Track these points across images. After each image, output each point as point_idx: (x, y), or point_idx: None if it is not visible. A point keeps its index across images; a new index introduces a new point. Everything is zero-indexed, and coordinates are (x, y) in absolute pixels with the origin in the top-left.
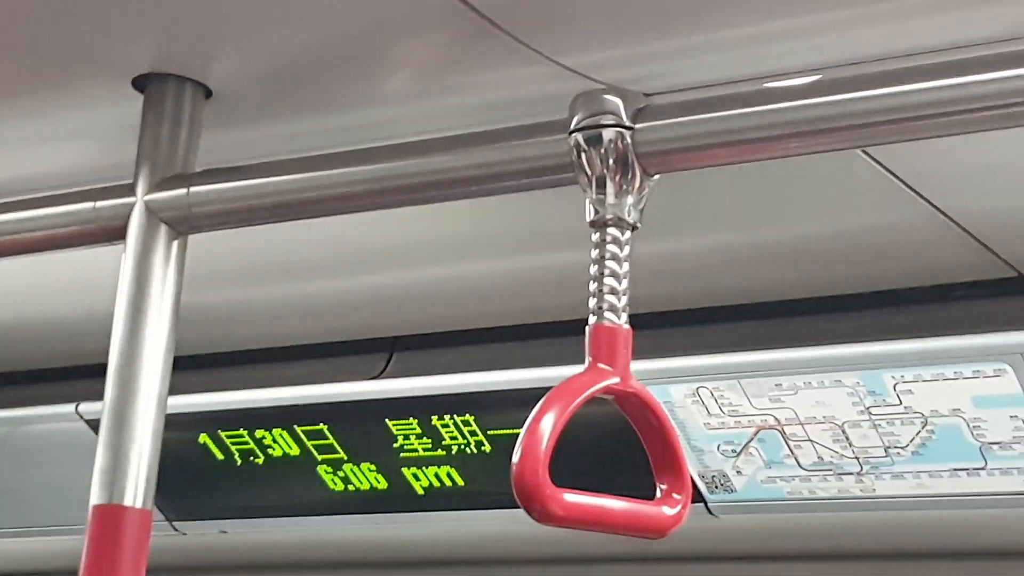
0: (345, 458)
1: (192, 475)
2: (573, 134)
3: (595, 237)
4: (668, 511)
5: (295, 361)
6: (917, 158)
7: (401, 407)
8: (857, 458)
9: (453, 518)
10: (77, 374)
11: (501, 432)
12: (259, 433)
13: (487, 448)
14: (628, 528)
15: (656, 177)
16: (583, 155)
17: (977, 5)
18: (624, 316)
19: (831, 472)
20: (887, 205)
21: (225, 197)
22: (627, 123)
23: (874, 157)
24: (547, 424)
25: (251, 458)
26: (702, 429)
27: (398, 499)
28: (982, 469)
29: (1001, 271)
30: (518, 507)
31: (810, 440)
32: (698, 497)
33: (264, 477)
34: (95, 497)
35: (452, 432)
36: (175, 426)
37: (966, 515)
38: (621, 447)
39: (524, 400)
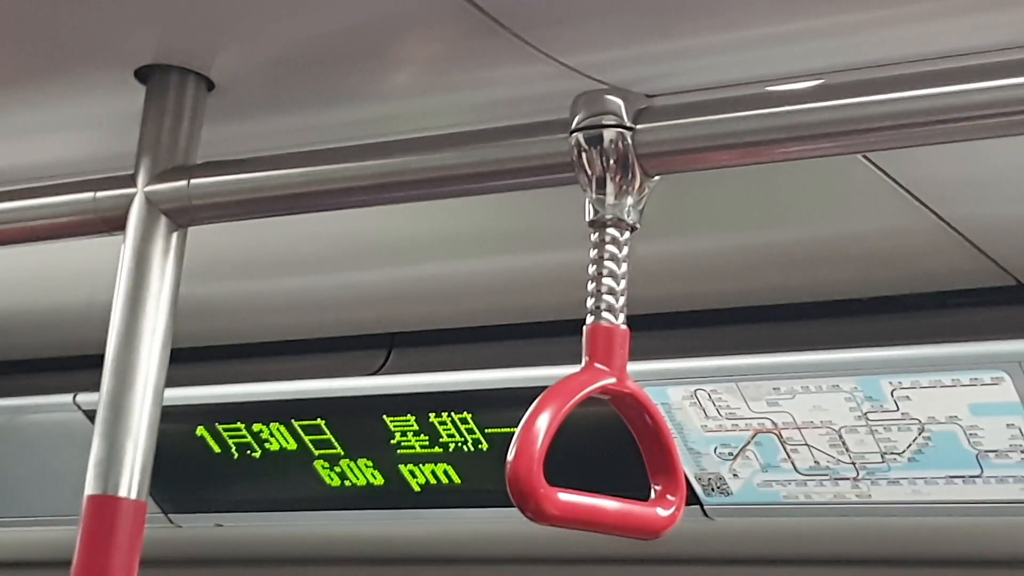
0: (342, 453)
1: (188, 468)
2: (574, 133)
3: (594, 237)
4: (662, 512)
5: (294, 355)
6: (918, 164)
7: (399, 404)
8: (854, 463)
9: (449, 516)
10: (75, 364)
11: (498, 430)
12: (256, 427)
13: (484, 446)
14: (622, 529)
15: (656, 178)
16: (583, 155)
17: (980, 12)
18: (622, 316)
19: (827, 477)
20: (887, 211)
21: (225, 190)
22: (628, 124)
23: (874, 162)
24: (542, 423)
25: (248, 452)
26: (699, 431)
27: (394, 495)
28: (978, 477)
29: (1000, 279)
30: (514, 506)
31: (807, 444)
32: (694, 500)
33: (261, 471)
34: (90, 487)
35: (449, 429)
36: (172, 418)
37: (961, 522)
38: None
39: (522, 399)
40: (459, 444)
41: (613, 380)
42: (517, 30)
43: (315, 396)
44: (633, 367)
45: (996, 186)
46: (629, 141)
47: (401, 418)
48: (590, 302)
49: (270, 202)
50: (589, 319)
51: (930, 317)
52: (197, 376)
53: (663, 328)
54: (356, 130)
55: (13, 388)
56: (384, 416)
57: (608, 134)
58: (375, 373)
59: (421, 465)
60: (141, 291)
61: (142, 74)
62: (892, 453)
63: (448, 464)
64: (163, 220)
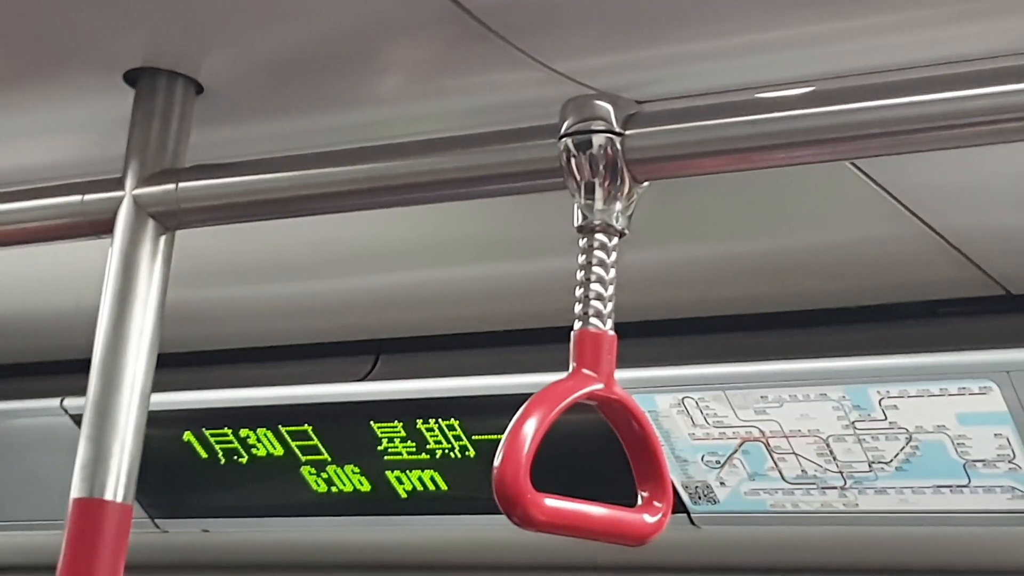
0: (329, 459)
1: (175, 473)
2: (563, 139)
3: (582, 243)
4: (649, 519)
5: (281, 361)
6: (907, 173)
7: (386, 410)
8: (841, 472)
9: (435, 522)
10: (63, 369)
11: (485, 437)
12: (243, 432)
13: (471, 453)
14: (608, 535)
15: (645, 184)
16: (572, 160)
17: (969, 21)
18: (609, 322)
19: (815, 486)
20: (876, 220)
21: (213, 194)
22: (617, 129)
23: (863, 171)
24: (529, 429)
25: (235, 457)
26: (687, 439)
27: (381, 502)
28: (965, 486)
29: (989, 289)
30: (500, 513)
31: (794, 453)
32: (681, 508)
33: (247, 477)
34: (76, 490)
35: (436, 436)
36: (160, 424)
37: (948, 532)
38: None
39: (509, 405)
40: (446, 451)
41: (601, 386)
42: (507, 36)
43: (302, 402)
44: (621, 375)
45: (985, 195)
46: (618, 147)
47: (388, 424)
48: (578, 308)
49: (258, 206)
50: (577, 325)
51: (918, 326)
52: (184, 381)
53: (651, 336)
54: (345, 135)
55: (0, 392)
56: (371, 422)
57: (597, 139)
58: (362, 379)
59: (408, 472)
60: (128, 293)
61: (131, 77)
62: (879, 462)
63: (435, 471)
64: (151, 223)
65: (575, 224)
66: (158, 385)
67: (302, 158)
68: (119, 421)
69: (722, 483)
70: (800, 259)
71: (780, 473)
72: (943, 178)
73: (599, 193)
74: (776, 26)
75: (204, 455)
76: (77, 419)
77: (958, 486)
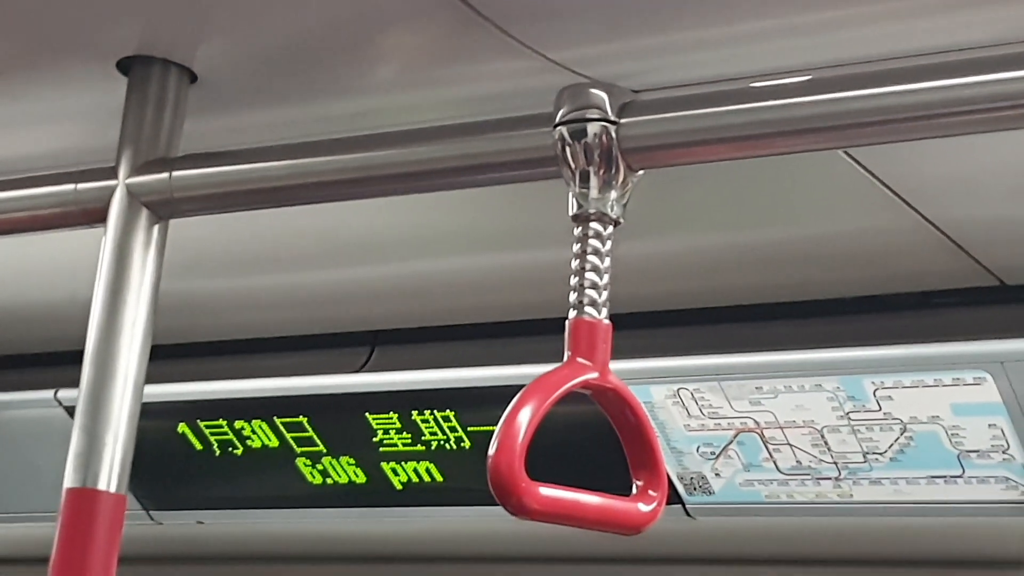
0: (324, 451)
1: (170, 465)
2: (557, 127)
3: (577, 231)
4: (643, 507)
5: (276, 352)
6: (901, 163)
7: (382, 401)
8: (836, 463)
9: (431, 514)
10: (56, 360)
11: (481, 428)
12: (238, 424)
13: (467, 444)
14: (603, 523)
15: (640, 173)
16: (567, 149)
17: (964, 9)
18: (604, 311)
19: (809, 476)
20: (871, 210)
21: (207, 182)
22: (612, 118)
23: (858, 161)
24: (524, 418)
25: (230, 449)
26: (682, 430)
27: (376, 494)
28: (959, 477)
29: (983, 279)
30: (496, 504)
31: (789, 444)
32: (676, 499)
33: (242, 468)
34: (69, 480)
35: (432, 428)
36: (154, 415)
37: (942, 522)
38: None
39: (505, 397)
40: (442, 442)
41: (595, 375)
42: (502, 25)
43: (297, 393)
44: (616, 366)
45: (980, 186)
46: (613, 135)
47: (384, 416)
48: (573, 296)
49: (252, 195)
50: (572, 313)
51: (913, 317)
52: (179, 373)
53: (646, 327)
54: (339, 124)
55: None
56: (367, 414)
57: (592, 128)
58: (358, 371)
59: (403, 463)
60: (122, 282)
61: (124, 65)
62: (874, 453)
63: (431, 462)
64: (144, 212)
65: (570, 213)
66: (153, 377)
67: (296, 147)
68: (112, 411)
69: (717, 474)
70: (795, 250)
71: (775, 464)
72: (938, 168)
73: (594, 182)
74: (771, 15)
75: (199, 447)
76: (71, 410)
77: (952, 477)
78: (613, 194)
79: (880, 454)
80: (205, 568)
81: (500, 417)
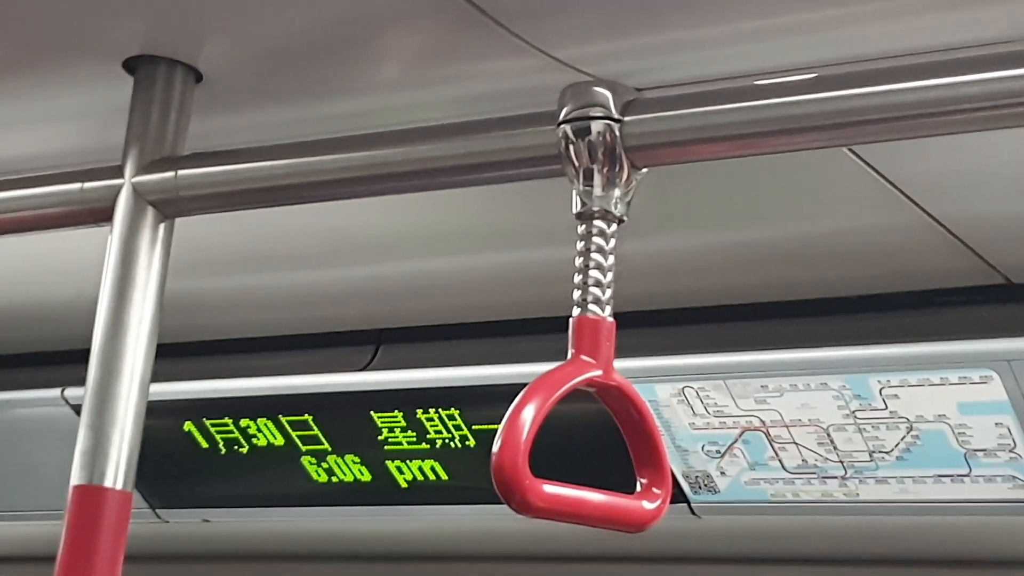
0: (329, 449)
1: (176, 463)
2: (561, 125)
3: (581, 229)
4: (648, 505)
5: (281, 351)
6: (906, 161)
7: (386, 400)
8: (841, 462)
9: (436, 512)
10: (63, 359)
11: (486, 427)
12: (244, 422)
13: (471, 443)
14: (607, 521)
15: (644, 171)
16: (571, 147)
17: (969, 8)
18: (608, 309)
19: (815, 475)
20: (876, 208)
21: (213, 181)
22: (616, 116)
23: (863, 158)
24: (528, 415)
25: (235, 447)
26: (687, 429)
27: (381, 492)
28: (966, 476)
29: (989, 277)
30: (501, 503)
31: (795, 443)
32: (681, 497)
33: (248, 467)
34: (75, 477)
35: (437, 426)
36: (160, 413)
37: (949, 522)
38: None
39: (509, 395)
40: (446, 440)
41: (599, 372)
42: (506, 23)
43: (302, 392)
44: (620, 364)
45: (986, 183)
46: (617, 133)
47: (388, 414)
48: (576, 294)
49: (258, 193)
50: (575, 311)
51: (919, 315)
52: (184, 371)
53: (651, 325)
54: (344, 123)
55: (0, 382)
56: (371, 412)
57: (596, 126)
58: (363, 369)
59: (408, 461)
60: (128, 281)
61: (130, 65)
62: (880, 452)
63: (435, 460)
64: (150, 211)
65: (574, 211)
66: (159, 375)
67: (301, 145)
68: (119, 408)
69: (722, 473)
70: (800, 248)
71: (781, 463)
72: (943, 166)
73: (598, 179)
74: (776, 13)
75: (204, 445)
76: (78, 409)
77: (959, 475)
78: (617, 192)
79: (886, 453)
80: (211, 566)
81: (504, 415)
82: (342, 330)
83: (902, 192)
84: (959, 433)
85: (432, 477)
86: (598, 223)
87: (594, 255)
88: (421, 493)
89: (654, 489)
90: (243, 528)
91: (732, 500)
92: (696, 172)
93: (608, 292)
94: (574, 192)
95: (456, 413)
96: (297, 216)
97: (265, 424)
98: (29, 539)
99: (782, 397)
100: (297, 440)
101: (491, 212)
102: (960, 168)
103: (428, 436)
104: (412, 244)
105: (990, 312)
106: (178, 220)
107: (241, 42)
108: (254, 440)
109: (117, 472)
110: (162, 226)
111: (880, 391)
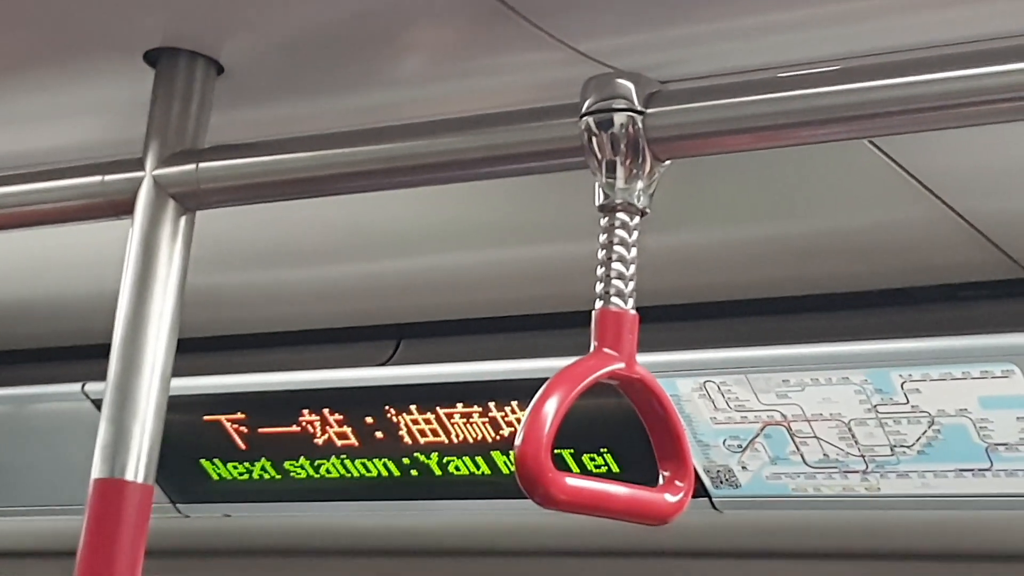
0: (350, 444)
1: (197, 458)
2: (584, 118)
3: (603, 221)
4: (670, 498)
5: (303, 346)
6: (930, 155)
7: (407, 395)
8: (863, 456)
9: (458, 507)
10: (84, 353)
11: (507, 421)
12: (264, 417)
13: (493, 437)
14: (629, 514)
15: (667, 163)
16: (594, 139)
17: (990, 0)
18: (631, 301)
19: (836, 470)
20: (898, 202)
21: (234, 174)
22: (639, 108)
23: (886, 152)
24: (550, 408)
25: (256, 442)
26: (708, 424)
27: (403, 487)
28: (987, 470)
29: (1011, 272)
30: (523, 497)
31: (816, 437)
32: (703, 492)
33: (269, 462)
34: (96, 471)
35: (458, 421)
36: (181, 408)
37: (970, 516)
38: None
39: (531, 389)
40: (467, 435)
41: (622, 365)
42: (530, 16)
43: (323, 387)
44: (642, 358)
45: (1009, 178)
46: (640, 125)
47: (409, 409)
48: (599, 287)
49: (279, 186)
50: (598, 304)
51: (941, 310)
52: (206, 366)
53: (672, 320)
54: (366, 116)
55: (22, 377)
56: (392, 407)
57: (619, 118)
58: (384, 364)
59: (429, 456)
60: (149, 274)
61: (151, 58)
62: (901, 446)
63: (456, 456)
64: (171, 204)
65: (596, 203)
66: (180, 370)
67: (322, 138)
68: (139, 401)
69: (744, 467)
70: (822, 242)
71: (802, 457)
72: (966, 160)
73: (620, 172)
74: (798, 5)
75: (225, 440)
76: (98, 404)
77: (980, 470)
78: (640, 184)
79: (908, 447)
80: (232, 561)
81: (526, 409)
82: (363, 325)
83: (924, 186)
84: (980, 427)
85: (454, 472)
86: (621, 215)
87: (617, 247)
88: (443, 488)
89: (676, 482)
90: (264, 523)
91: (753, 495)
92: (717, 166)
93: (631, 285)
94: (596, 184)
95: (477, 408)
96: (318, 210)
97: (286, 419)
98: (49, 533)
99: (803, 391)
100: (318, 435)
101: (513, 206)
102: (983, 162)
103: (449, 431)
104: (434, 238)
105: (1012, 306)
106: (199, 216)
107: (263, 34)
108: (275, 435)
109: (138, 465)
110: (183, 219)
111: (901, 385)
